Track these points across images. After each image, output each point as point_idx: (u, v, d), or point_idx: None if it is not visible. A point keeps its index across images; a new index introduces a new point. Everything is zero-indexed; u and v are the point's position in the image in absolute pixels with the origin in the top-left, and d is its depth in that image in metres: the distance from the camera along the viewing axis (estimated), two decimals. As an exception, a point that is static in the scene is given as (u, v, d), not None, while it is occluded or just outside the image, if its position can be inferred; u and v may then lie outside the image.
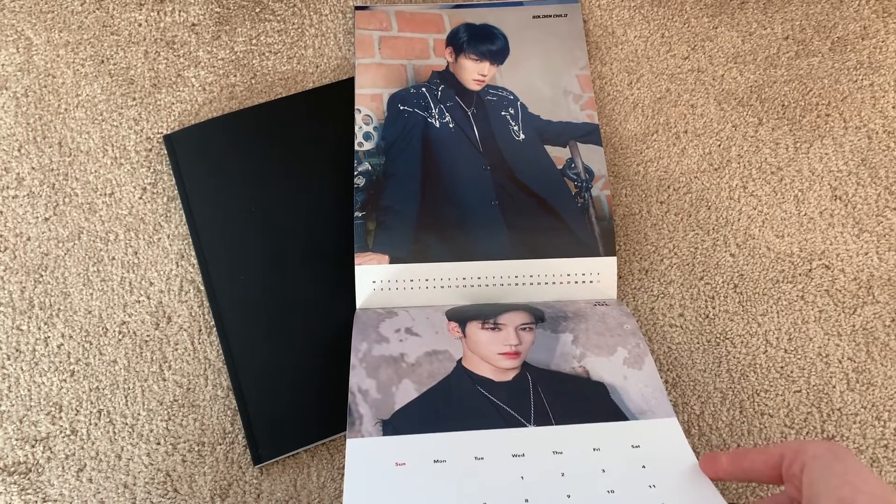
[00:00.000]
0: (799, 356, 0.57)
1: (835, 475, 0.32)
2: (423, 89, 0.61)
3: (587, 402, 0.48)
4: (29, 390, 0.54)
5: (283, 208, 0.58)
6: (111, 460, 0.52)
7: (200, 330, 0.56)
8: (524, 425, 0.47)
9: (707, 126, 0.64)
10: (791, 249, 0.60)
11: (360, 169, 0.58)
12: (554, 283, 0.57)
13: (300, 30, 0.66)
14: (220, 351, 0.55)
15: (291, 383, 0.53)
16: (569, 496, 0.42)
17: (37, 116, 0.62)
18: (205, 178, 0.59)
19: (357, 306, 0.55)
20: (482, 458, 0.44)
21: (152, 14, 0.66)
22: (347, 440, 0.45)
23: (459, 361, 0.50)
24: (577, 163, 0.59)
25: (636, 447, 0.46)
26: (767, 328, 0.57)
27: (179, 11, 0.66)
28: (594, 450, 0.45)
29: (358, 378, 0.48)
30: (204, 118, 0.62)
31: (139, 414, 0.53)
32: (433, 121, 0.60)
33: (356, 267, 0.55)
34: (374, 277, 0.55)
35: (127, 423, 0.53)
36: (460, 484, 0.43)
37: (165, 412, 0.53)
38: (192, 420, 0.53)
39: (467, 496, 0.42)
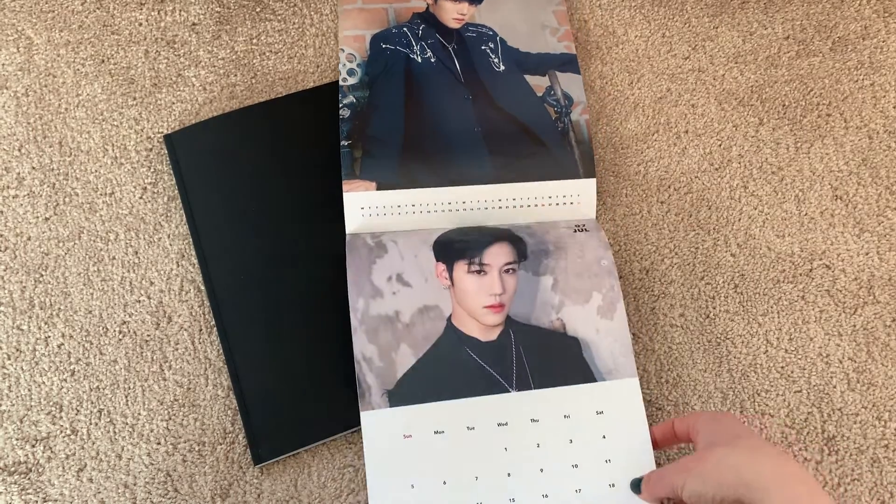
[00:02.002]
0: (799, 356, 0.57)
1: (710, 427, 0.44)
2: (405, 29, 0.63)
3: (562, 360, 0.53)
4: (29, 390, 0.54)
5: (283, 208, 0.58)
6: (111, 460, 0.52)
7: (201, 330, 0.56)
8: (507, 390, 0.52)
9: (708, 126, 0.64)
10: (792, 249, 0.60)
11: (344, 102, 0.59)
12: (535, 205, 0.59)
13: (301, 29, 0.66)
14: (221, 351, 0.55)
15: (291, 383, 0.53)
16: (542, 470, 0.50)
17: (37, 116, 0.62)
18: (205, 178, 0.59)
19: (346, 233, 0.57)
20: (473, 429, 0.51)
21: (153, 14, 0.66)
22: (361, 413, 0.50)
23: (449, 319, 0.53)
24: (556, 90, 0.61)
25: (600, 413, 0.52)
26: (768, 328, 0.57)
27: (180, 11, 0.66)
28: (565, 417, 0.52)
29: (360, 344, 0.52)
30: (204, 118, 0.62)
31: (139, 414, 0.53)
32: (415, 56, 0.62)
33: (344, 194, 0.57)
34: (362, 204, 0.57)
35: (127, 423, 0.53)
36: (457, 455, 0.50)
37: (166, 412, 0.53)
38: (193, 420, 0.53)
39: (463, 468, 0.50)
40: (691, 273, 0.59)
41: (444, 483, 0.49)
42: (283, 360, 0.54)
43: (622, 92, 0.65)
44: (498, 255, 0.55)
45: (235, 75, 0.64)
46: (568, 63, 0.63)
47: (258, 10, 0.66)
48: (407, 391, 0.51)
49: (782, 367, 0.56)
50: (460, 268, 0.55)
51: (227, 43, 0.65)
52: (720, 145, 0.63)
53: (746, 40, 0.67)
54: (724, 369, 0.56)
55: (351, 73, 0.60)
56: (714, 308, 0.58)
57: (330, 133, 0.60)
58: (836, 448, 0.54)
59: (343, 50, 0.61)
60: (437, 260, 0.55)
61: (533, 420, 0.51)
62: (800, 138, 0.63)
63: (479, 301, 0.54)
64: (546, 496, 0.49)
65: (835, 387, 0.56)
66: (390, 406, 0.50)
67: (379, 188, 0.57)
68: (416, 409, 0.51)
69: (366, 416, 0.50)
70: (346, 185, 0.57)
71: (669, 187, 0.62)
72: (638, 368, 0.56)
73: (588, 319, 0.54)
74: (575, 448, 0.51)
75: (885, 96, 0.65)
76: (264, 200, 0.58)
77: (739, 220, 0.61)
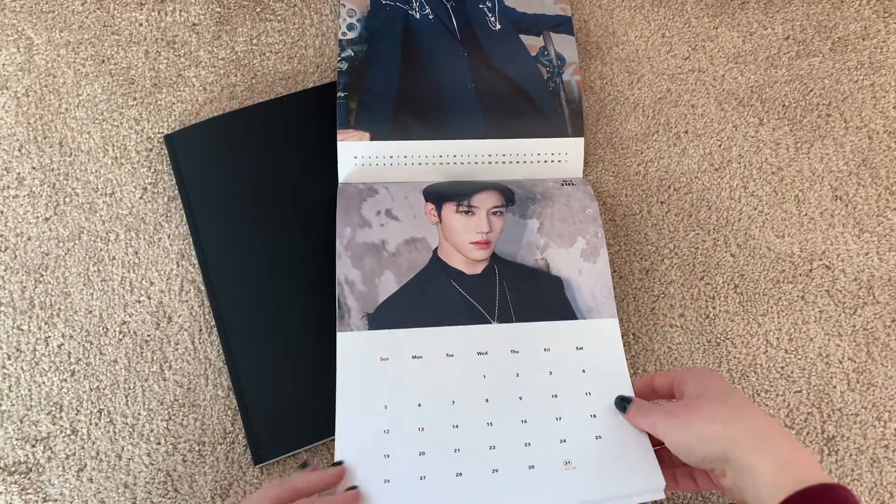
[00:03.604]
0: (799, 356, 0.57)
1: (699, 380, 0.45)
2: None
3: (545, 297, 0.54)
4: (29, 390, 0.54)
5: (283, 208, 0.58)
6: (112, 460, 0.52)
7: (201, 330, 0.56)
8: (489, 322, 0.53)
9: (708, 126, 0.64)
10: (791, 250, 0.60)
11: (343, 55, 0.60)
12: (524, 161, 0.60)
13: (301, 29, 0.66)
14: (221, 351, 0.55)
15: (292, 383, 0.53)
16: (520, 398, 0.50)
17: (37, 116, 0.62)
18: (205, 178, 0.59)
19: (339, 181, 0.58)
20: (453, 356, 0.51)
21: (153, 14, 0.66)
22: (338, 333, 0.51)
23: (435, 251, 0.55)
24: (549, 50, 0.63)
25: (580, 349, 0.52)
26: (768, 328, 0.57)
27: (180, 11, 0.66)
28: (545, 350, 0.52)
29: (344, 268, 0.53)
30: (204, 118, 0.62)
31: (140, 414, 0.53)
32: (414, 13, 0.63)
33: (338, 143, 0.58)
34: (355, 153, 0.58)
35: (127, 423, 0.53)
36: (434, 380, 0.50)
37: (166, 412, 0.53)
38: (193, 420, 0.53)
39: (440, 392, 0.50)
40: (691, 273, 0.59)
41: (419, 406, 0.49)
42: (284, 360, 0.54)
43: (622, 92, 0.65)
44: (486, 199, 0.57)
45: (235, 75, 0.64)
46: (562, 24, 0.64)
47: (258, 10, 0.67)
48: (387, 316, 0.52)
49: (782, 368, 0.56)
50: (449, 208, 0.56)
51: (227, 43, 0.65)
52: (720, 146, 0.63)
53: (746, 41, 0.67)
54: (724, 369, 0.56)
55: (350, 27, 0.62)
56: (714, 308, 0.58)
57: (330, 133, 0.60)
58: (836, 448, 0.54)
59: (344, 5, 0.62)
60: (427, 201, 0.57)
61: (513, 351, 0.52)
62: (800, 138, 0.63)
63: (465, 237, 0.55)
64: (525, 421, 0.49)
65: (835, 387, 0.56)
66: (369, 329, 0.51)
67: (372, 139, 0.58)
68: (395, 334, 0.51)
69: (342, 337, 0.51)
70: (340, 135, 0.58)
71: (669, 187, 0.62)
72: (638, 368, 0.56)
73: (571, 261, 0.55)
74: (554, 379, 0.51)
75: (885, 96, 0.65)
76: (264, 200, 0.58)
77: (739, 220, 0.61)
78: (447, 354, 0.51)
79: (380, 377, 0.50)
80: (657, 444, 0.47)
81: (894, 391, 0.55)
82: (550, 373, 0.51)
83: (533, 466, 0.47)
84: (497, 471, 0.47)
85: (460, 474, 0.47)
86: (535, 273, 0.55)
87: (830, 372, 0.56)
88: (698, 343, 0.57)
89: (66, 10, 0.65)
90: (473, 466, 0.47)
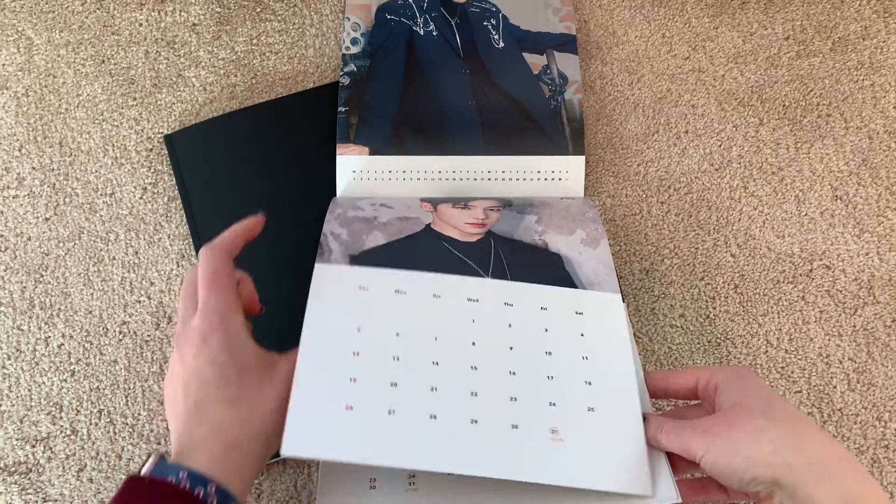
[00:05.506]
0: (800, 357, 0.57)
1: (735, 386, 0.39)
2: (410, 1, 0.64)
3: (543, 268, 0.50)
4: (29, 390, 0.54)
5: (283, 208, 0.58)
6: (112, 460, 0.52)
7: (201, 330, 0.56)
8: (482, 276, 0.49)
9: (708, 126, 0.64)
10: (792, 250, 0.60)
11: (345, 70, 0.61)
12: (524, 179, 0.60)
13: (301, 29, 0.66)
14: (221, 351, 0.55)
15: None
16: (511, 348, 0.45)
17: (37, 116, 0.62)
18: (205, 178, 0.59)
19: (337, 195, 0.58)
20: (440, 297, 0.47)
21: (153, 14, 0.66)
22: (315, 265, 0.47)
23: (428, 225, 0.53)
24: (552, 69, 0.62)
25: (580, 314, 0.48)
26: (768, 329, 0.57)
27: (180, 11, 0.66)
28: (542, 308, 0.47)
29: (330, 226, 0.51)
30: (204, 118, 0.62)
31: (140, 414, 0.53)
32: (418, 29, 0.63)
33: (338, 157, 0.58)
34: (354, 167, 0.58)
35: (127, 423, 0.53)
36: (417, 315, 0.45)
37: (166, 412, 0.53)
38: (193, 420, 0.53)
39: (422, 329, 0.45)
40: (691, 273, 0.59)
41: (398, 335, 0.44)
42: (283, 361, 0.54)
43: (622, 92, 0.65)
44: (483, 201, 0.57)
45: (235, 75, 0.64)
46: (567, 43, 0.63)
47: (258, 10, 0.67)
48: (372, 258, 0.48)
49: (782, 368, 0.56)
50: (444, 205, 0.56)
51: (227, 43, 0.65)
52: (720, 146, 0.63)
53: (746, 40, 0.67)
54: (724, 370, 0.56)
55: (354, 42, 0.62)
56: (714, 309, 0.58)
57: (330, 133, 0.60)
58: (836, 448, 0.54)
59: (349, 18, 0.63)
60: (423, 201, 0.57)
61: (507, 304, 0.47)
62: (800, 138, 0.63)
63: (461, 220, 0.54)
64: (513, 373, 0.44)
65: (835, 387, 0.56)
66: (350, 265, 0.47)
67: (371, 153, 0.58)
68: (379, 271, 0.47)
69: (319, 269, 0.46)
70: (339, 149, 0.58)
71: (669, 188, 0.62)
72: (638, 369, 0.56)
73: (571, 245, 0.52)
74: (550, 337, 0.46)
75: (885, 96, 0.65)
76: (264, 201, 0.58)
77: (739, 220, 0.61)
78: (434, 295, 0.46)
79: (356, 303, 0.45)
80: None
81: (894, 391, 0.55)
82: (546, 329, 0.46)
83: (517, 426, 0.42)
84: (476, 421, 0.41)
85: (434, 416, 0.41)
86: (534, 249, 0.52)
87: (831, 372, 0.56)
88: (698, 343, 0.57)
89: (66, 10, 0.65)
90: (450, 409, 0.42)
